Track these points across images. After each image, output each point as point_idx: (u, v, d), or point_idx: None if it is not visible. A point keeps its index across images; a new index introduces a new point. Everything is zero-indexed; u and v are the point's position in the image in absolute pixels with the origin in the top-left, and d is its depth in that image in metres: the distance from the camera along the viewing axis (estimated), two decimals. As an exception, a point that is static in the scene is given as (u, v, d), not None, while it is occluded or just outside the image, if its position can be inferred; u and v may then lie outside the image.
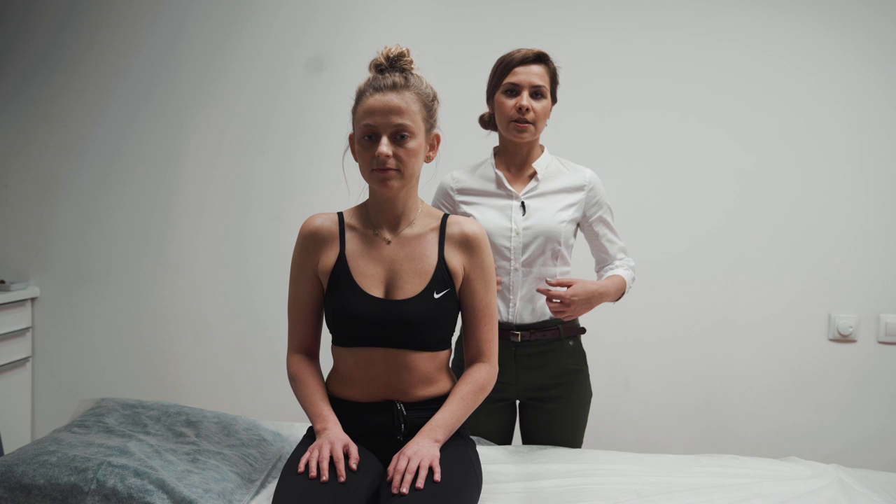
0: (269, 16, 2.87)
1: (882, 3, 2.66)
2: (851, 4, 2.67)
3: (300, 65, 2.86)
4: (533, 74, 1.84)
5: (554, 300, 1.80)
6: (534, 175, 1.91)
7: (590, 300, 1.82)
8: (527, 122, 1.84)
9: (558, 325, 1.91)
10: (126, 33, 2.92)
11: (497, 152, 1.97)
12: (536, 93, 1.85)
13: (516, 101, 1.84)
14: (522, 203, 1.88)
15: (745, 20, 2.71)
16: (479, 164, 1.97)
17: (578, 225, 1.96)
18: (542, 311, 1.89)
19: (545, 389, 1.92)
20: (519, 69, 1.85)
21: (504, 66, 1.87)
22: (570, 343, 1.94)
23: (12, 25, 2.94)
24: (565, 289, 1.80)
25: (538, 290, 1.84)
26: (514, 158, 1.93)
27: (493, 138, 2.00)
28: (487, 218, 1.87)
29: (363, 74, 1.54)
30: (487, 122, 1.99)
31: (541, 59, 1.87)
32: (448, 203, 1.95)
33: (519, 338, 1.88)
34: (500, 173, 1.91)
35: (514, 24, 2.75)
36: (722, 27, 2.72)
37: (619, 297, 1.96)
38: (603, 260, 2.01)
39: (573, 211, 1.91)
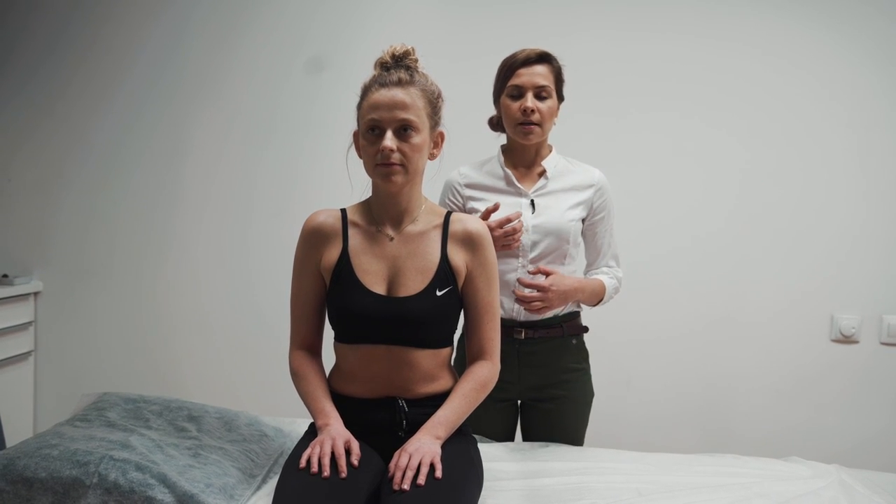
0: (274, 13, 2.87)
1: (883, 2, 2.66)
2: (852, 4, 2.66)
3: (304, 63, 2.86)
4: (536, 75, 1.84)
5: (528, 291, 1.81)
6: (543, 173, 1.91)
7: (566, 293, 1.83)
8: (532, 123, 1.84)
9: (561, 323, 1.91)
10: (130, 28, 2.92)
11: (505, 150, 1.96)
12: (541, 93, 1.84)
13: (521, 104, 1.83)
14: (532, 201, 1.88)
15: (747, 21, 2.70)
16: (486, 160, 1.97)
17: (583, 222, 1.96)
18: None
19: (547, 388, 1.92)
20: (522, 71, 1.84)
21: (507, 69, 1.87)
22: (573, 341, 1.94)
23: (17, 20, 2.94)
24: (544, 278, 1.82)
25: (518, 283, 1.83)
26: (523, 158, 1.93)
27: (500, 138, 2.00)
28: (497, 215, 1.87)
29: (368, 72, 1.55)
30: (496, 124, 1.98)
31: (543, 58, 1.86)
32: (456, 199, 1.95)
33: (523, 335, 1.88)
34: (508, 171, 1.91)
35: (517, 23, 2.74)
36: (723, 28, 2.71)
37: (597, 303, 1.96)
38: (593, 262, 2.00)
39: (581, 209, 1.91)
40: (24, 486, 1.41)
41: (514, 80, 1.84)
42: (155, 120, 2.93)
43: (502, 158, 1.94)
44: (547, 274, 1.82)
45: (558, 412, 1.93)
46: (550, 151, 1.95)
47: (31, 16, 2.94)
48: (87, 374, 2.97)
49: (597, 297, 1.94)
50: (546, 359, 1.91)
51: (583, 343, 1.98)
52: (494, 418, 1.92)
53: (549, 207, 1.88)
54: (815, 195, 2.72)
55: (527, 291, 1.82)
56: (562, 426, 1.94)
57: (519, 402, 1.99)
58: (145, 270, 2.96)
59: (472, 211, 1.91)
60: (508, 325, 1.85)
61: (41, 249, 3.00)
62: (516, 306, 1.87)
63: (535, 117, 1.83)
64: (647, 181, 2.76)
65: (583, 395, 1.97)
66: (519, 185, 1.90)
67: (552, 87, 1.85)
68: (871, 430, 2.71)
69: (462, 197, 1.94)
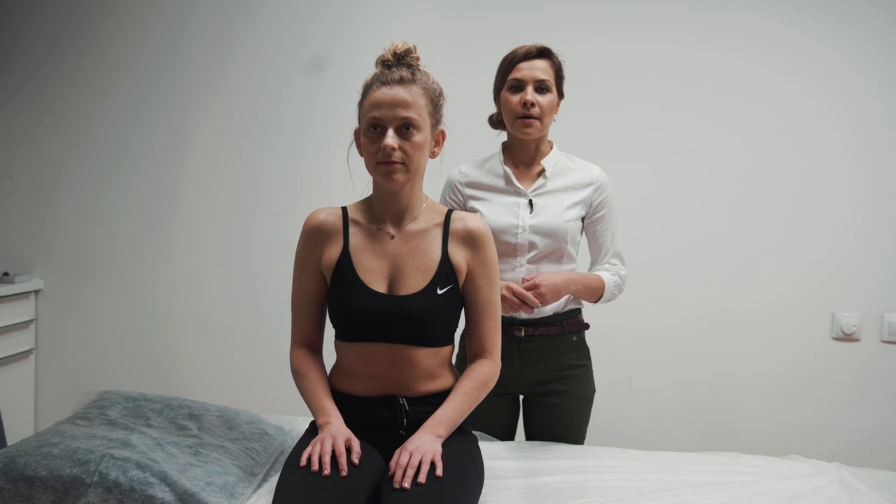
0: (274, 11, 2.86)
1: (885, 1, 2.65)
2: (855, 3, 2.66)
3: (304, 61, 2.86)
4: (536, 69, 1.84)
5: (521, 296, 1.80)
6: (542, 172, 1.91)
7: (557, 286, 1.82)
8: (532, 117, 1.84)
9: (562, 320, 1.91)
10: (130, 27, 2.92)
11: (505, 148, 1.96)
12: (541, 87, 1.84)
13: (521, 97, 1.84)
14: (530, 201, 1.88)
15: (750, 19, 2.70)
16: (486, 158, 1.97)
17: (583, 220, 1.95)
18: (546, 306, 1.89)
19: (548, 384, 1.92)
20: (522, 65, 1.85)
21: (508, 63, 1.88)
22: (574, 339, 1.94)
23: (17, 18, 2.94)
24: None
25: (505, 291, 1.80)
26: (523, 155, 1.92)
27: (499, 136, 2.00)
28: (495, 214, 1.87)
29: (368, 71, 1.55)
30: (497, 121, 1.98)
31: (544, 53, 1.87)
32: (456, 197, 1.95)
33: (522, 332, 1.88)
34: (508, 170, 1.91)
35: (518, 21, 2.74)
36: (726, 26, 2.71)
37: (598, 300, 1.95)
38: (595, 260, 1.99)
39: (579, 209, 1.90)
40: (24, 485, 1.41)
41: (515, 74, 1.85)
42: (155, 118, 2.93)
43: (502, 156, 1.94)
44: (535, 285, 1.82)
45: (560, 407, 1.93)
46: (551, 149, 1.95)
47: (31, 15, 2.94)
48: (88, 373, 2.97)
49: (594, 293, 1.93)
50: (547, 356, 1.91)
51: (584, 340, 1.98)
52: (496, 412, 1.92)
53: (548, 207, 1.88)
54: (817, 193, 2.72)
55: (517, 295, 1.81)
56: (563, 421, 1.94)
57: (521, 396, 1.99)
58: (146, 268, 2.96)
59: (472, 210, 1.91)
60: (508, 323, 1.85)
61: (42, 247, 3.00)
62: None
63: (535, 111, 1.83)
64: (648, 180, 2.76)
65: (584, 390, 1.96)
66: (518, 185, 1.89)
67: (552, 81, 1.86)
68: (872, 428, 2.71)
69: (462, 196, 1.94)
